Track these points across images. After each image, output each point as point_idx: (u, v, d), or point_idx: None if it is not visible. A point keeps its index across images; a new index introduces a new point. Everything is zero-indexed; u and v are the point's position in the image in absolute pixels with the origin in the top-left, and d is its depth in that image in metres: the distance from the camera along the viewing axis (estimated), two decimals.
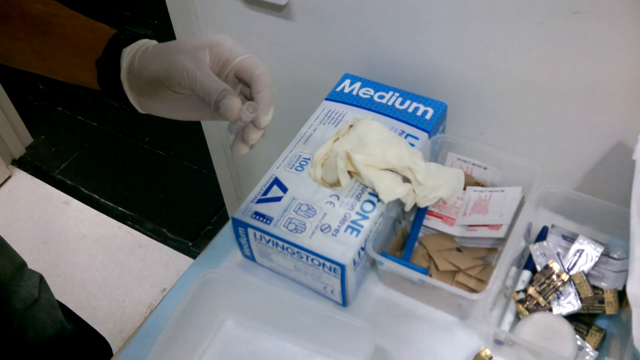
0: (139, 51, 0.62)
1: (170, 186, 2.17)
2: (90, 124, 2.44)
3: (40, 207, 2.16)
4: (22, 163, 2.31)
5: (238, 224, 0.80)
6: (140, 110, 0.66)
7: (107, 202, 2.15)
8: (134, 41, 0.63)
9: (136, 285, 1.90)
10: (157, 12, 2.78)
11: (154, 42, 0.64)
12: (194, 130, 1.51)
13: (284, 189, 0.81)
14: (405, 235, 0.86)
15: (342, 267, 0.74)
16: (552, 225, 0.85)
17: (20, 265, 1.06)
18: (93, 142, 2.37)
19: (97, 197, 2.17)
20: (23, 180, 2.26)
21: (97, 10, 2.93)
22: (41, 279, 1.11)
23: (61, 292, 1.88)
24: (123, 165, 2.27)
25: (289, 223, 0.78)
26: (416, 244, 0.84)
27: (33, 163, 2.31)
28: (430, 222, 0.86)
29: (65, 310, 1.21)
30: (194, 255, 1.92)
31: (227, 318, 0.81)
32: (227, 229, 0.91)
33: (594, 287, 0.77)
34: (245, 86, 0.63)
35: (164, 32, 1.22)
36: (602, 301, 0.75)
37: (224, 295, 0.77)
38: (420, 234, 0.85)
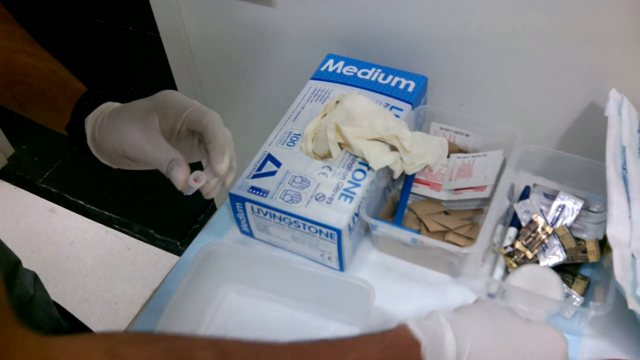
0: (98, 120, 0.65)
1: (155, 187, 2.19)
2: None
3: (27, 216, 2.17)
4: (4, 174, 2.31)
5: (235, 199, 0.83)
6: (113, 167, 0.69)
7: (93, 208, 2.16)
8: (97, 105, 0.67)
9: (127, 287, 1.92)
10: (146, 21, 2.78)
11: (114, 105, 0.67)
12: None
13: (277, 164, 0.85)
14: (396, 203, 0.89)
15: (338, 232, 0.78)
16: (534, 185, 0.89)
17: (14, 263, 1.07)
18: (73, 150, 2.37)
19: (82, 203, 2.18)
20: (7, 191, 2.26)
21: (87, 25, 2.94)
22: (35, 277, 1.12)
23: (53, 298, 1.88)
24: (107, 170, 2.26)
25: (285, 195, 0.81)
26: (406, 210, 0.88)
27: (16, 173, 2.31)
28: (418, 189, 0.90)
29: (60, 310, 1.23)
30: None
31: (231, 288, 0.84)
32: (224, 209, 0.94)
33: (577, 239, 0.82)
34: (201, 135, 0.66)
35: (156, 41, 1.26)
36: (584, 251, 0.80)
37: (227, 266, 0.80)
38: (410, 201, 0.89)
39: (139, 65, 2.59)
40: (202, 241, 0.91)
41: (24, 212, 2.18)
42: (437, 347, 0.54)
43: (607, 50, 0.82)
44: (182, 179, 0.61)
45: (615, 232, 0.71)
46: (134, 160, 0.64)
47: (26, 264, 1.07)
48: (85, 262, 2.01)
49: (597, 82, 0.86)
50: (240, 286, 0.84)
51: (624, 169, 0.77)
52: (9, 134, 2.37)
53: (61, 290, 1.92)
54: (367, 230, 0.87)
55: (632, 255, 0.69)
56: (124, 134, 0.63)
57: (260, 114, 1.06)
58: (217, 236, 0.91)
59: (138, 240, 2.03)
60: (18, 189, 2.26)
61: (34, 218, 2.16)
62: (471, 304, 0.62)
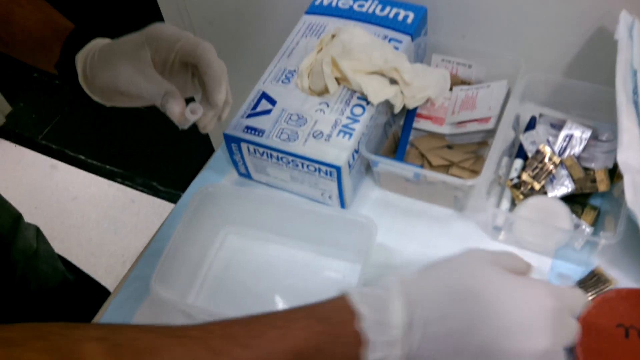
0: (88, 56, 0.63)
1: (155, 139, 2.16)
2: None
3: (28, 173, 2.15)
4: (3, 132, 2.29)
5: (231, 139, 0.80)
6: (106, 105, 0.67)
7: (95, 162, 2.14)
8: (87, 42, 0.64)
9: (133, 240, 1.91)
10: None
11: (104, 41, 0.65)
12: None
13: (272, 102, 0.82)
14: (397, 139, 0.86)
15: (338, 169, 0.75)
16: (540, 115, 0.86)
17: (16, 216, 1.06)
18: (73, 104, 2.34)
19: (83, 157, 2.16)
20: (7, 149, 2.24)
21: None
22: (38, 230, 1.12)
23: (59, 253, 1.89)
24: (106, 123, 2.25)
25: (281, 133, 0.78)
26: (408, 146, 0.85)
27: (15, 131, 2.29)
28: (420, 124, 0.87)
29: (65, 263, 1.22)
30: None
31: (230, 231, 0.82)
32: (220, 152, 0.91)
33: (585, 169, 0.79)
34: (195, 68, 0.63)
35: None
36: (594, 180, 0.77)
37: (225, 207, 0.78)
38: (412, 137, 0.86)
39: (128, 11, 2.53)
40: (199, 185, 0.89)
41: (25, 170, 2.16)
42: (381, 318, 0.45)
43: None
44: (178, 110, 0.59)
45: (626, 158, 0.68)
46: (127, 95, 0.62)
47: (30, 221, 1.06)
48: (90, 216, 2.00)
49: (606, 3, 0.82)
50: (239, 228, 0.82)
51: (635, 93, 0.73)
52: (5, 92, 2.33)
53: (67, 246, 1.91)
54: (368, 167, 0.84)
55: None
56: (116, 69, 0.61)
57: (256, 53, 1.02)
58: (214, 180, 0.88)
59: (141, 193, 2.02)
60: (18, 146, 2.24)
61: (36, 175, 2.14)
62: (443, 260, 0.51)
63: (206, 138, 1.63)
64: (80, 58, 0.64)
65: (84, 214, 2.01)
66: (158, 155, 2.12)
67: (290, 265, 0.78)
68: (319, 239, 0.77)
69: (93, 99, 0.66)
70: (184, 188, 0.88)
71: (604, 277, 0.71)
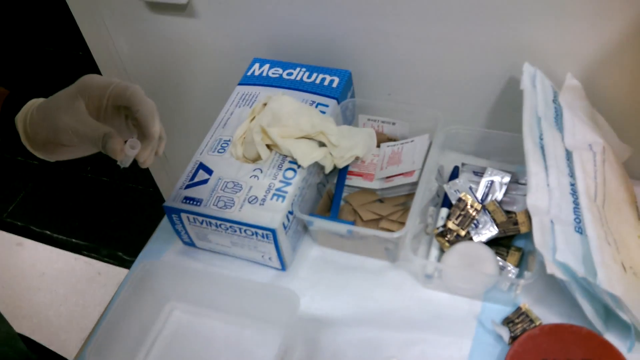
0: (27, 116, 0.67)
1: (119, 210, 2.18)
2: (30, 163, 2.44)
3: None
4: None
5: (171, 211, 0.84)
6: (51, 160, 0.71)
7: (60, 237, 2.15)
8: (23, 104, 0.68)
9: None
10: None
11: (40, 100, 0.69)
12: None
13: (209, 172, 0.86)
14: (331, 197, 0.91)
15: (273, 232, 0.79)
16: (463, 164, 0.91)
17: None
18: (37, 180, 2.36)
19: (49, 233, 2.17)
20: None
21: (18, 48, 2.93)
22: None
23: (28, 332, 1.86)
24: (70, 198, 2.27)
25: (218, 201, 0.82)
26: (342, 202, 0.90)
27: None
28: (352, 181, 0.91)
29: (29, 342, 1.23)
30: None
31: (173, 306, 0.86)
32: (165, 222, 0.95)
33: (508, 212, 0.84)
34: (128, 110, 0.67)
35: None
36: (515, 223, 0.81)
37: (164, 283, 0.82)
38: (345, 194, 0.91)
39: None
40: (147, 256, 0.92)
41: None
42: None
43: (518, 27, 0.85)
44: (118, 148, 0.62)
45: (535, 201, 0.73)
46: (69, 145, 0.65)
47: None
48: (58, 292, 2.00)
49: (512, 58, 0.88)
50: (179, 303, 0.85)
51: (541, 138, 0.79)
52: None
53: (36, 323, 1.91)
54: (305, 227, 0.89)
55: (551, 222, 0.71)
56: (55, 122, 0.64)
57: (194, 124, 1.07)
58: (161, 249, 0.92)
59: (108, 264, 2.03)
60: None
61: (2, 253, 2.14)
62: None
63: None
64: (19, 119, 0.67)
65: (52, 289, 2.01)
66: (122, 226, 2.14)
67: (225, 341, 0.81)
68: (251, 312, 0.80)
69: (37, 156, 0.69)
70: None
71: (530, 314, 0.75)
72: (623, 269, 0.69)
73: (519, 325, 0.75)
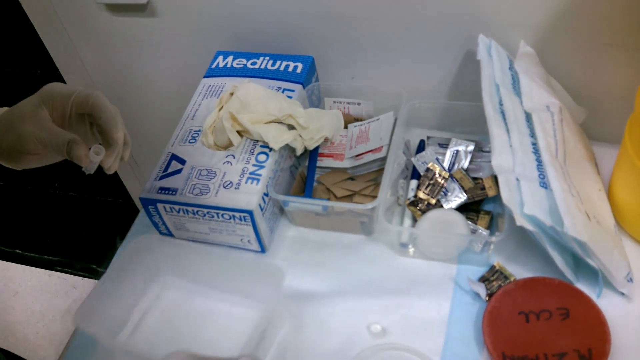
0: None
1: (90, 224, 2.17)
2: None
3: None
4: None
5: (147, 202, 0.85)
6: (18, 169, 0.71)
7: (32, 255, 2.13)
8: None
9: None
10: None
11: (3, 109, 0.70)
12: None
13: (182, 162, 0.87)
14: (304, 178, 0.93)
15: (250, 213, 0.81)
16: (428, 137, 0.94)
17: None
18: (3, 200, 2.33)
19: (20, 252, 2.14)
20: None
21: None
22: None
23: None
24: (39, 215, 2.25)
25: (194, 189, 0.84)
26: (315, 183, 0.92)
27: None
28: (323, 162, 0.94)
29: (9, 355, 1.23)
30: None
31: (163, 282, 0.87)
32: (141, 217, 0.96)
33: (474, 179, 0.87)
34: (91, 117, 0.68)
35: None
36: (483, 188, 0.85)
37: (155, 258, 0.84)
38: (317, 175, 0.93)
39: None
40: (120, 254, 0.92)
41: None
42: None
43: (473, 2, 0.88)
44: (83, 154, 0.63)
45: (500, 162, 0.76)
46: (34, 153, 0.66)
47: None
48: (34, 309, 1.98)
49: (467, 31, 0.91)
50: (171, 278, 0.87)
51: (501, 104, 0.82)
52: None
53: (13, 343, 1.89)
54: (281, 209, 0.90)
55: (517, 179, 0.74)
56: (19, 130, 0.65)
57: (162, 125, 1.08)
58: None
59: (82, 278, 2.02)
60: None
61: None
62: None
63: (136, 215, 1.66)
64: None
65: (27, 307, 1.99)
66: (95, 239, 2.13)
67: (215, 315, 0.83)
68: (239, 287, 0.82)
69: (3, 164, 0.69)
70: None
71: (504, 271, 0.78)
72: (587, 217, 0.72)
73: (495, 283, 0.78)
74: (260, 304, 0.81)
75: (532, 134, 0.78)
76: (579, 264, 0.76)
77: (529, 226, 0.70)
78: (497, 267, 0.79)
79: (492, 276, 0.79)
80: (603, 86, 0.92)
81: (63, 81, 1.27)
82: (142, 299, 0.85)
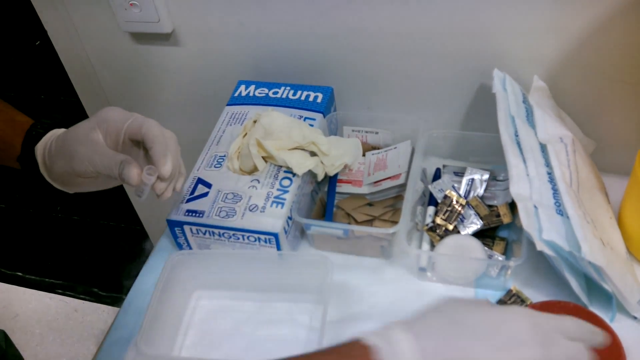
0: (47, 146, 0.71)
1: (92, 247, 2.18)
2: None
3: None
4: None
5: (174, 224, 0.88)
6: (69, 192, 0.74)
7: (33, 277, 2.13)
8: (45, 133, 0.72)
9: (81, 348, 1.91)
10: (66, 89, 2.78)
11: (60, 130, 0.72)
12: (105, 190, 1.58)
13: (208, 185, 0.90)
14: (324, 203, 0.96)
15: (275, 236, 0.84)
16: (444, 166, 0.98)
17: None
18: (5, 223, 2.34)
19: (21, 274, 2.15)
20: None
21: None
22: (5, 334, 1.13)
23: None
24: (42, 238, 2.26)
25: (220, 211, 0.86)
26: (335, 208, 0.95)
27: None
28: (342, 188, 0.97)
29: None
30: None
31: (203, 295, 0.89)
32: (160, 245, 0.98)
33: (489, 206, 0.91)
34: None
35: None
36: (498, 215, 0.88)
37: (195, 271, 0.86)
38: (336, 200, 0.96)
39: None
40: (143, 282, 0.94)
41: None
42: (394, 349, 0.50)
43: (486, 37, 0.92)
44: (136, 172, 0.65)
45: (518, 190, 0.79)
46: (85, 176, 0.68)
47: None
48: (34, 332, 1.98)
49: (482, 66, 0.95)
50: (210, 290, 0.89)
51: (516, 135, 0.86)
52: None
53: None
54: (302, 232, 0.93)
55: (535, 207, 0.77)
56: (72, 152, 0.67)
57: (187, 147, 1.11)
58: (158, 270, 0.95)
59: (83, 301, 2.03)
60: None
61: None
62: (424, 309, 0.56)
63: (140, 239, 1.69)
64: (39, 149, 0.70)
65: (27, 330, 1.99)
66: (96, 262, 2.14)
67: (261, 316, 0.86)
68: (281, 285, 0.85)
69: (55, 186, 0.72)
70: (126, 290, 0.93)
71: (520, 294, 0.81)
72: (602, 243, 0.76)
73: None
74: (307, 295, 0.84)
75: (547, 164, 0.82)
76: (592, 288, 0.80)
77: (548, 251, 0.73)
78: (514, 291, 0.82)
79: (509, 299, 0.82)
80: (610, 119, 0.97)
81: (82, 107, 1.30)
82: (185, 313, 0.87)
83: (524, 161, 0.83)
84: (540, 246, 0.73)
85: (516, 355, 0.51)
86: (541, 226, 0.75)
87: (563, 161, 0.82)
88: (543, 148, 0.84)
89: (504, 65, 0.94)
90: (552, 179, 0.81)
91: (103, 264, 2.13)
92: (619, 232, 0.85)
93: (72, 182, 0.70)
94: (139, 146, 0.71)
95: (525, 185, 0.80)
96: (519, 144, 0.85)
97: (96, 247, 2.18)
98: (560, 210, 0.77)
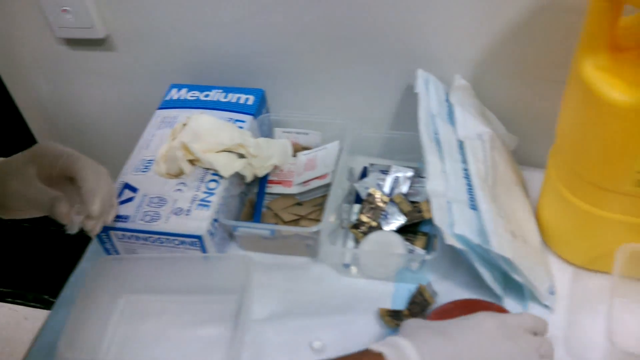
0: None
1: (42, 254, 2.16)
2: None
3: None
4: None
5: None
6: (5, 217, 0.75)
7: None
8: None
9: None
10: None
11: None
12: None
13: (134, 190, 0.91)
14: (253, 205, 0.97)
15: (200, 238, 0.85)
16: (371, 165, 1.00)
17: None
18: None
19: None
20: None
21: None
22: None
23: None
24: None
25: (145, 216, 0.87)
26: (264, 209, 0.96)
27: None
28: (272, 189, 0.98)
29: None
30: None
31: (130, 298, 0.90)
32: (95, 245, 0.98)
33: (413, 203, 0.93)
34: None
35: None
36: (420, 211, 0.90)
37: (120, 275, 0.87)
38: (267, 201, 0.97)
39: None
40: (71, 288, 0.95)
41: None
42: (399, 355, 0.58)
43: (411, 39, 0.95)
44: (65, 211, 0.67)
45: (433, 186, 0.82)
46: (18, 209, 0.69)
47: None
48: None
49: (407, 66, 0.98)
50: (136, 295, 0.89)
51: (436, 134, 0.88)
52: None
53: None
54: (231, 234, 0.94)
55: (448, 202, 0.80)
56: (4, 185, 0.68)
57: (118, 152, 1.11)
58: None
59: (34, 308, 2.01)
60: None
61: None
62: (412, 325, 0.65)
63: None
64: None
65: None
66: (46, 269, 2.12)
67: (187, 317, 0.87)
68: (206, 287, 0.86)
69: None
70: None
71: (424, 293, 0.83)
72: (513, 236, 0.78)
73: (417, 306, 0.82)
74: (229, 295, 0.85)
75: (464, 161, 0.85)
76: (508, 279, 0.82)
77: (457, 244, 0.76)
78: (421, 289, 0.83)
79: (417, 298, 0.84)
80: (532, 115, 0.99)
81: (18, 112, 1.30)
82: (111, 318, 0.87)
83: (441, 158, 0.85)
84: (449, 240, 0.75)
85: (494, 350, 0.60)
86: (453, 221, 0.77)
87: (479, 157, 0.85)
88: (461, 145, 0.87)
89: (430, 66, 0.96)
90: (467, 175, 0.83)
91: (53, 271, 2.11)
92: (534, 224, 0.87)
93: (9, 212, 0.71)
94: (73, 182, 0.72)
95: (441, 182, 0.82)
96: (438, 142, 0.87)
97: (46, 254, 2.16)
98: (474, 205, 0.80)
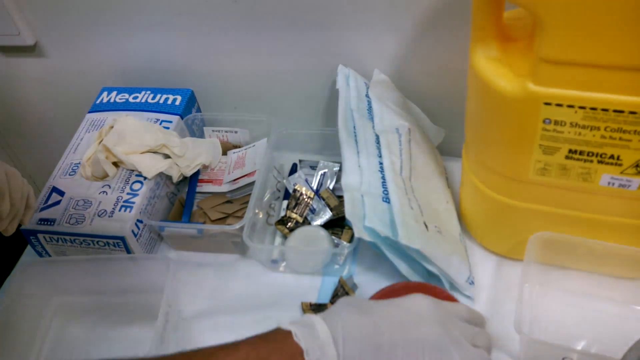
0: None
1: None
2: None
3: None
4: None
5: (28, 233, 0.89)
6: None
7: None
8: None
9: None
10: None
11: None
12: None
13: (61, 194, 0.91)
14: (183, 204, 0.98)
15: (122, 239, 0.86)
16: (300, 161, 1.01)
17: None
18: None
19: None
20: None
21: None
22: None
23: None
24: None
25: (70, 218, 0.88)
26: (195, 208, 0.97)
27: None
28: (203, 187, 0.99)
29: None
30: None
31: (58, 301, 0.90)
32: (30, 248, 0.99)
33: (340, 197, 0.94)
34: None
35: None
36: None
37: (44, 280, 0.87)
38: (198, 200, 0.98)
39: None
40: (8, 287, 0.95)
41: None
42: (309, 332, 0.57)
43: (332, 36, 0.96)
44: None
45: (347, 180, 0.83)
46: None
47: None
48: None
49: (331, 61, 0.98)
50: (66, 297, 0.90)
51: (355, 128, 0.89)
52: None
53: None
54: (159, 234, 0.95)
55: (362, 196, 0.81)
56: None
57: (52, 157, 1.12)
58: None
59: None
60: None
61: None
62: (340, 302, 0.64)
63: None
64: None
65: None
66: None
67: (115, 317, 0.88)
68: (132, 286, 0.86)
69: None
70: None
71: (345, 286, 0.84)
72: (425, 227, 0.79)
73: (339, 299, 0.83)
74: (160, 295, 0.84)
75: (380, 154, 0.86)
76: (431, 272, 0.83)
77: (367, 237, 0.77)
78: (341, 282, 0.85)
79: (339, 291, 0.85)
80: (457, 108, 1.00)
81: None
82: (41, 321, 0.88)
83: (358, 153, 0.86)
84: (359, 233, 0.77)
85: (418, 331, 0.59)
86: (365, 214, 0.78)
87: (394, 151, 0.86)
88: (378, 139, 0.88)
89: (351, 61, 0.97)
90: (382, 169, 0.84)
91: None
92: (454, 215, 0.89)
93: None
94: None
95: (356, 176, 0.83)
96: (355, 137, 0.88)
97: None
98: (387, 198, 0.81)
